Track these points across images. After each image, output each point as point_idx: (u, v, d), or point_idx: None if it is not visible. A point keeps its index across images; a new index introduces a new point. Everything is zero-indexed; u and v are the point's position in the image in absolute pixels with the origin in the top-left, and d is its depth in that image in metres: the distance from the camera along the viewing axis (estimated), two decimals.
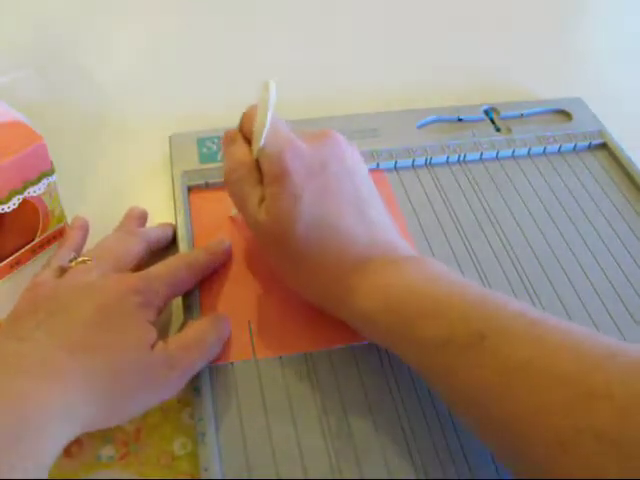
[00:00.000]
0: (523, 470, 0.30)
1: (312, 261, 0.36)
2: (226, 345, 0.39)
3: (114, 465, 0.36)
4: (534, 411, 0.28)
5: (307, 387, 0.38)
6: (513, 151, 0.52)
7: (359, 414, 0.37)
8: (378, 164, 0.50)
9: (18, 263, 0.44)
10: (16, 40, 0.63)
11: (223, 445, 0.35)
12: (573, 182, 0.51)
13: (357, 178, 0.38)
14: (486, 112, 0.56)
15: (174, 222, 0.46)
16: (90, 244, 0.42)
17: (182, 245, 0.44)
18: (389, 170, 0.51)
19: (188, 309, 0.41)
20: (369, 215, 0.37)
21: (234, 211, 0.45)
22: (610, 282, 0.44)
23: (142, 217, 0.45)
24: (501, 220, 0.48)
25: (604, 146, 0.54)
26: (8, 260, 0.43)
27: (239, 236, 0.45)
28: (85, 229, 0.43)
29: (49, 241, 0.45)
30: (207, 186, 0.48)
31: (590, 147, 0.54)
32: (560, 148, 0.53)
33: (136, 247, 0.41)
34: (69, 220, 0.46)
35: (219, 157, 0.50)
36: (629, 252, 0.46)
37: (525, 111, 0.56)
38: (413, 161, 0.51)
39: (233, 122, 0.53)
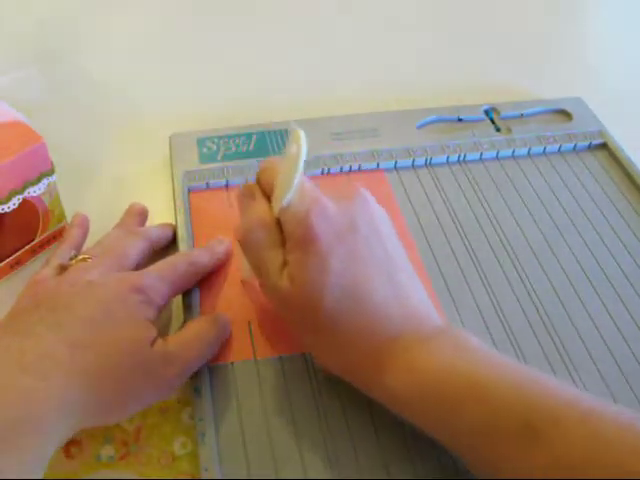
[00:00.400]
0: None
1: (340, 335, 0.33)
2: (226, 345, 0.39)
3: (114, 465, 0.36)
4: None
5: (307, 387, 0.38)
6: (513, 151, 0.52)
7: (359, 414, 0.37)
8: (378, 164, 0.50)
9: (18, 263, 0.44)
10: (17, 40, 0.63)
11: (223, 445, 0.35)
12: (573, 182, 0.51)
13: (386, 240, 0.35)
14: (486, 112, 0.56)
15: (174, 222, 0.46)
16: (90, 244, 0.42)
17: (182, 245, 0.44)
18: (389, 170, 0.51)
19: (188, 309, 0.41)
20: (399, 280, 0.34)
21: (245, 273, 0.41)
22: (610, 282, 0.44)
23: (143, 213, 0.45)
24: (501, 220, 0.48)
25: (604, 146, 0.54)
26: (8, 260, 0.43)
27: None
28: (85, 226, 0.42)
29: (49, 241, 0.45)
30: (207, 186, 0.48)
31: (590, 147, 0.54)
32: (560, 148, 0.53)
33: (137, 246, 0.41)
34: (69, 220, 0.46)
35: (218, 157, 0.50)
36: (629, 252, 0.46)
37: (525, 111, 0.56)
38: (413, 161, 0.51)
39: (233, 122, 0.53)
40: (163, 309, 0.38)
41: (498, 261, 0.45)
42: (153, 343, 0.34)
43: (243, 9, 0.69)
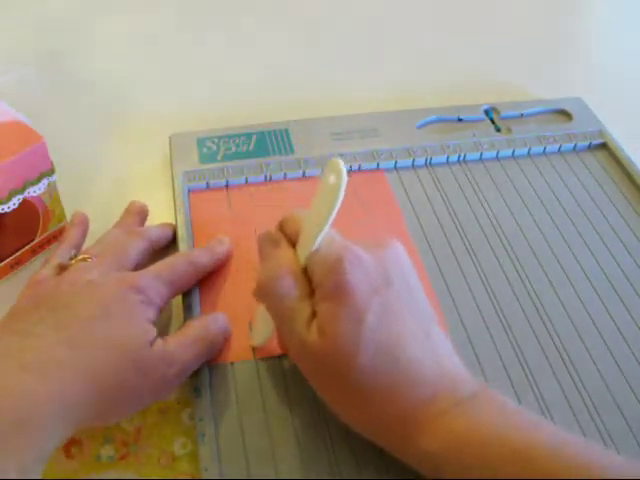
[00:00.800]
0: None
1: (374, 396, 0.31)
2: (226, 345, 0.39)
3: (114, 465, 0.36)
4: None
5: (307, 387, 0.38)
6: (513, 151, 0.52)
7: None
8: (378, 164, 0.50)
9: (18, 263, 0.44)
10: (17, 40, 0.63)
11: (223, 445, 0.35)
12: (573, 182, 0.51)
13: (417, 293, 0.33)
14: (486, 112, 0.56)
15: (174, 222, 0.46)
16: (90, 243, 0.42)
17: (182, 245, 0.44)
18: (389, 170, 0.51)
19: (188, 309, 0.41)
20: (432, 337, 0.32)
21: (257, 340, 0.39)
22: (610, 282, 0.44)
23: (142, 212, 0.45)
24: (501, 220, 0.48)
25: (604, 146, 0.54)
26: (8, 260, 0.43)
27: (239, 236, 0.45)
28: (85, 225, 0.42)
29: (49, 241, 0.45)
30: (207, 186, 0.48)
31: (590, 147, 0.54)
32: (560, 148, 0.53)
33: (136, 246, 0.41)
34: (69, 220, 0.46)
35: (218, 157, 0.50)
36: (629, 252, 0.46)
37: (525, 111, 0.56)
38: (413, 161, 0.51)
39: (233, 122, 0.53)
40: (163, 309, 0.38)
41: (498, 261, 0.45)
42: (152, 343, 0.34)
43: (243, 9, 0.70)
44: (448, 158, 0.52)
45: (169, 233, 0.45)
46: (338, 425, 0.36)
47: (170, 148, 0.51)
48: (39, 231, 0.44)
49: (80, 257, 0.39)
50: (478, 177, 0.51)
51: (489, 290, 0.43)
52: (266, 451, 0.35)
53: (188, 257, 0.41)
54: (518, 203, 0.49)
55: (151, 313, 0.36)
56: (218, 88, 0.60)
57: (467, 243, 0.46)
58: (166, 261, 0.39)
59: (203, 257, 0.42)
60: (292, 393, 0.37)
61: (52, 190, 0.43)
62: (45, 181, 0.42)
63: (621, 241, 0.47)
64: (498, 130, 0.54)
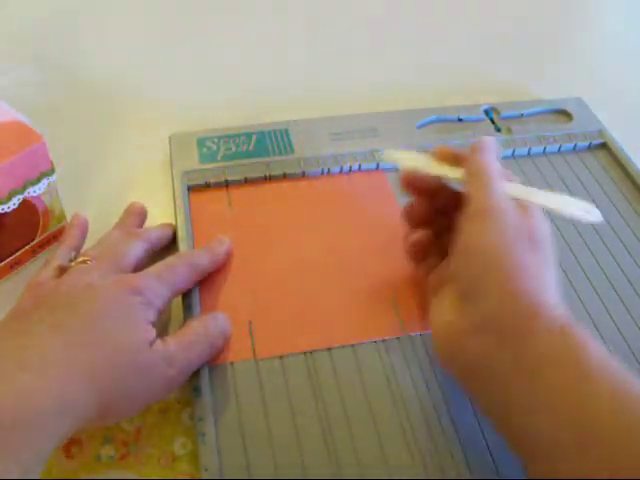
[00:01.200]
0: None
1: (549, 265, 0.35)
2: (226, 345, 0.39)
3: (114, 465, 0.36)
4: None
5: (307, 387, 0.38)
6: (513, 151, 0.52)
7: (359, 414, 0.37)
8: (378, 164, 0.50)
9: (18, 263, 0.44)
10: (17, 40, 0.63)
11: (223, 445, 0.35)
12: (573, 182, 0.51)
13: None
14: (486, 112, 0.56)
15: (174, 222, 0.46)
16: (90, 244, 0.42)
17: (182, 245, 0.44)
18: (389, 170, 0.51)
19: (188, 309, 0.41)
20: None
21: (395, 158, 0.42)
22: (610, 282, 0.44)
23: (142, 213, 0.45)
24: None
25: (604, 146, 0.54)
26: (8, 260, 0.43)
27: (239, 236, 0.45)
28: (84, 227, 0.42)
29: (49, 241, 0.45)
30: (207, 186, 0.48)
31: (590, 147, 0.54)
32: (560, 148, 0.53)
33: (136, 247, 0.41)
34: (69, 220, 0.46)
35: (218, 157, 0.50)
36: (629, 252, 0.46)
37: (525, 111, 0.56)
38: None
39: (233, 122, 0.53)
40: (163, 310, 0.38)
41: None
42: (152, 344, 0.34)
43: (243, 9, 0.70)
44: None
45: (169, 234, 0.45)
46: (338, 425, 0.36)
47: (170, 148, 0.51)
48: (39, 231, 0.44)
49: (80, 259, 0.39)
50: None
51: None
52: (266, 451, 0.35)
53: (188, 258, 0.41)
54: None
55: (151, 314, 0.36)
56: (218, 88, 0.60)
57: None
58: (166, 262, 0.39)
59: (203, 258, 0.42)
60: (292, 393, 0.37)
61: (52, 190, 0.43)
62: (45, 181, 0.42)
63: (621, 241, 0.47)
64: (498, 130, 0.54)
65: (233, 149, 0.51)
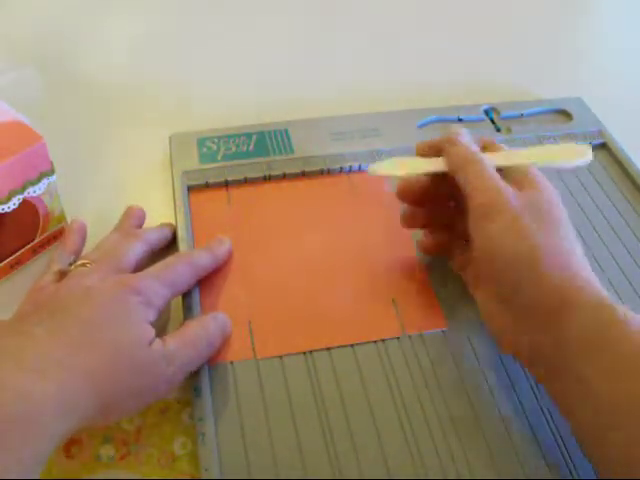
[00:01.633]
0: None
1: (565, 238, 0.36)
2: (226, 345, 0.39)
3: (114, 465, 0.36)
4: None
5: (307, 387, 0.38)
6: None
7: (359, 414, 0.37)
8: None
9: (18, 263, 0.44)
10: (16, 40, 0.63)
11: (223, 445, 0.35)
12: (573, 182, 0.51)
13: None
14: (486, 112, 0.56)
15: (174, 222, 0.46)
16: (90, 244, 0.42)
17: (182, 245, 0.44)
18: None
19: (188, 309, 0.41)
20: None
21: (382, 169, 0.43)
22: (610, 282, 0.44)
23: (140, 216, 0.45)
24: None
25: (604, 146, 0.54)
26: (8, 260, 0.43)
27: (239, 236, 0.45)
28: (83, 231, 0.43)
29: (49, 241, 0.45)
30: (207, 186, 0.48)
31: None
32: None
33: (135, 249, 0.41)
34: (69, 220, 0.46)
35: (218, 157, 0.50)
36: (629, 252, 0.46)
37: (525, 111, 0.56)
38: None
39: (233, 122, 0.53)
40: (163, 311, 0.38)
41: None
42: (151, 343, 0.35)
43: (243, 9, 0.70)
44: None
45: (168, 234, 0.45)
46: (339, 425, 0.36)
47: (170, 148, 0.51)
48: (39, 231, 0.44)
49: (79, 263, 0.39)
50: None
51: None
52: (266, 451, 0.35)
53: (188, 258, 0.41)
54: None
55: (150, 314, 0.36)
56: (218, 88, 0.60)
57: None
58: (166, 262, 0.39)
59: (203, 258, 0.42)
60: (292, 393, 0.37)
61: (52, 190, 0.43)
62: (45, 181, 0.42)
63: (621, 241, 0.47)
64: (498, 130, 0.54)
65: (233, 149, 0.51)
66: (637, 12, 0.76)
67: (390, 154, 0.51)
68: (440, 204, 0.43)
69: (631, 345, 0.31)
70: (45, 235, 0.45)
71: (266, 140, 0.52)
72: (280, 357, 0.39)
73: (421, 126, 0.54)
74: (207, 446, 0.35)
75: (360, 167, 0.50)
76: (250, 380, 0.38)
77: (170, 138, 0.51)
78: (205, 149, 0.50)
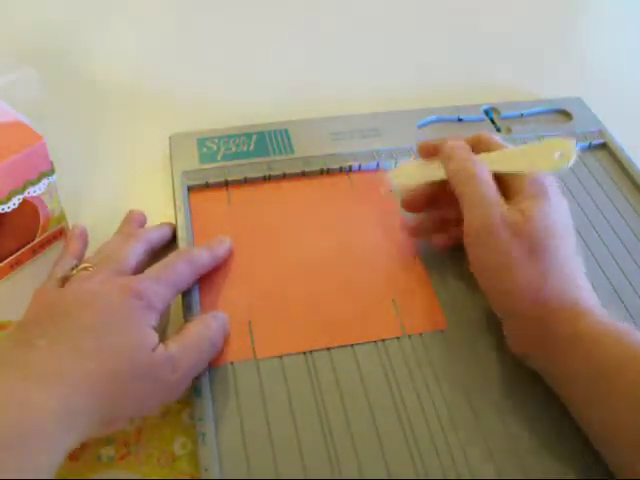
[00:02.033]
0: None
1: (538, 272, 0.37)
2: (226, 345, 0.39)
3: (114, 465, 0.36)
4: None
5: (307, 387, 0.38)
6: None
7: (359, 414, 0.37)
8: (378, 164, 0.50)
9: (18, 263, 0.44)
10: (16, 40, 0.63)
11: (223, 445, 0.35)
12: (573, 182, 0.51)
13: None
14: (486, 112, 0.56)
15: (174, 222, 0.46)
16: (90, 244, 0.42)
17: (182, 245, 0.44)
18: (390, 170, 0.50)
19: (188, 309, 0.41)
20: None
21: (396, 181, 0.45)
22: (610, 282, 0.44)
23: (141, 220, 0.45)
24: None
25: (604, 146, 0.54)
26: (8, 260, 0.43)
27: (239, 236, 0.45)
28: (84, 236, 0.42)
29: (49, 241, 0.45)
30: (207, 186, 0.48)
31: (590, 147, 0.54)
32: None
33: (136, 249, 0.40)
34: (69, 220, 0.46)
35: (218, 157, 0.50)
36: (629, 252, 0.46)
37: (525, 111, 0.56)
38: None
39: (233, 122, 0.53)
40: (164, 313, 0.38)
41: None
42: (154, 349, 0.34)
43: (243, 9, 0.70)
44: None
45: (168, 232, 0.45)
46: (339, 425, 0.36)
47: (170, 148, 0.51)
48: (39, 231, 0.44)
49: (81, 267, 0.38)
50: None
51: None
52: (266, 451, 0.35)
53: (187, 256, 0.41)
54: None
55: (152, 318, 0.36)
56: (218, 88, 0.60)
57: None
58: (165, 261, 0.39)
59: (203, 256, 0.41)
60: (292, 393, 0.37)
61: (52, 190, 0.43)
62: (45, 181, 0.42)
63: (621, 241, 0.47)
64: (498, 130, 0.54)
65: (233, 149, 0.51)
66: (637, 12, 0.76)
67: (390, 154, 0.51)
68: (447, 203, 0.44)
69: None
70: (45, 235, 0.45)
71: (266, 140, 0.52)
72: (280, 357, 0.39)
73: (421, 126, 0.54)
74: (207, 446, 0.35)
75: (360, 167, 0.50)
76: (250, 380, 0.38)
77: (170, 138, 0.51)
78: (205, 149, 0.50)
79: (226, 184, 0.48)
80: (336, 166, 0.50)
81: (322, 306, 0.41)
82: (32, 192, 0.41)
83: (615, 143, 0.54)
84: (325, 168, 0.50)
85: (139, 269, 0.40)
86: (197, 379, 0.37)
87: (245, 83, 0.61)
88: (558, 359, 0.36)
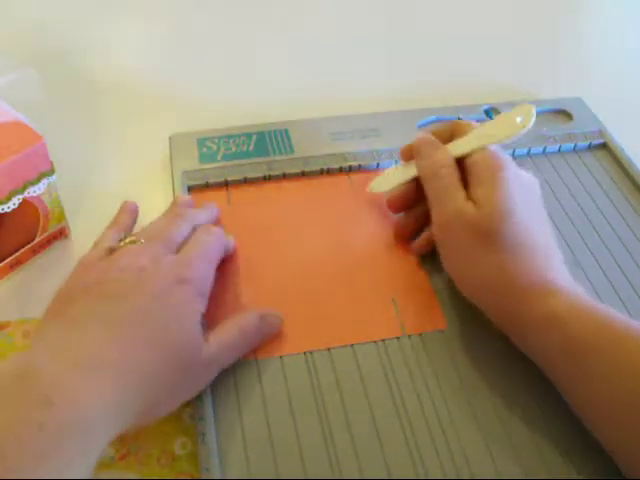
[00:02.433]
0: None
1: (506, 257, 0.37)
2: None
3: (114, 465, 0.36)
4: None
5: (307, 387, 0.38)
6: (513, 151, 0.52)
7: (359, 414, 0.37)
8: (378, 164, 0.50)
9: (18, 263, 0.44)
10: (16, 40, 0.63)
11: (223, 445, 0.35)
12: (573, 182, 0.51)
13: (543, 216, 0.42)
14: (486, 112, 0.56)
15: None
16: (89, 245, 0.42)
17: None
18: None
19: None
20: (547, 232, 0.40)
21: (381, 186, 0.47)
22: (610, 282, 0.44)
23: (190, 203, 0.45)
24: None
25: (604, 146, 0.54)
26: (8, 260, 0.43)
27: (239, 236, 0.45)
28: (135, 212, 0.42)
29: (49, 241, 0.45)
30: (207, 186, 0.48)
31: (590, 147, 0.54)
32: (560, 148, 0.53)
33: (183, 230, 0.40)
34: (69, 220, 0.46)
35: (218, 157, 0.50)
36: (629, 252, 0.46)
37: None
38: None
39: (233, 122, 0.53)
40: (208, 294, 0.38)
41: None
42: (200, 347, 0.35)
43: (243, 10, 0.70)
44: None
45: (214, 213, 0.45)
46: (339, 425, 0.36)
47: (170, 148, 0.51)
48: (39, 231, 0.44)
49: (128, 240, 0.38)
50: None
51: None
52: (266, 451, 0.35)
53: (206, 227, 0.41)
54: None
55: (202, 305, 0.36)
56: (218, 88, 0.60)
57: None
58: (199, 238, 0.39)
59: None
60: (292, 393, 0.37)
61: (52, 190, 0.43)
62: (45, 181, 0.42)
63: (621, 241, 0.47)
64: None
65: (233, 149, 0.51)
66: (637, 12, 0.76)
67: (390, 154, 0.51)
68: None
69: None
70: (45, 235, 0.45)
71: (266, 140, 0.52)
72: (280, 357, 0.39)
73: (421, 126, 0.54)
74: (207, 446, 0.35)
75: (360, 167, 0.50)
76: (250, 380, 0.38)
77: (170, 138, 0.51)
78: (205, 149, 0.50)
79: (226, 184, 0.48)
80: (336, 166, 0.50)
81: (322, 306, 0.41)
82: (32, 192, 0.41)
83: (615, 143, 0.54)
84: (325, 168, 0.50)
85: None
86: None
87: (245, 83, 0.61)
88: (534, 339, 0.36)
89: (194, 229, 0.41)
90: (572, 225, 0.48)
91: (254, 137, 0.52)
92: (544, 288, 0.36)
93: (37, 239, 0.44)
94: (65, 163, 0.45)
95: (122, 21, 0.67)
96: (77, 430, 0.28)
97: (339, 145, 0.51)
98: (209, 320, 0.38)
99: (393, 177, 0.46)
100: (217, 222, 0.45)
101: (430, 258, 0.45)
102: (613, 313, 0.35)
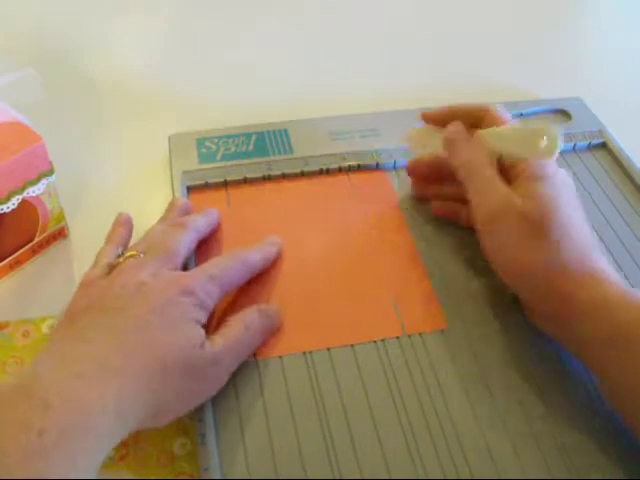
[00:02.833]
0: None
1: (552, 244, 0.38)
2: None
3: (114, 465, 0.36)
4: None
5: (307, 387, 0.38)
6: None
7: (359, 414, 0.37)
8: (378, 164, 0.50)
9: (18, 263, 0.44)
10: (16, 40, 0.63)
11: (223, 445, 0.35)
12: (573, 182, 0.51)
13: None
14: None
15: None
16: (90, 245, 0.42)
17: None
18: (389, 170, 0.51)
19: None
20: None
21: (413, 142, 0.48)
22: None
23: (186, 208, 0.45)
24: None
25: (604, 146, 0.54)
26: (8, 260, 0.43)
27: (238, 236, 0.45)
28: (129, 224, 0.42)
29: (49, 241, 0.45)
30: (207, 186, 0.48)
31: (590, 147, 0.54)
32: None
33: (184, 240, 0.40)
34: (68, 220, 0.46)
35: (218, 157, 0.50)
36: (629, 252, 0.46)
37: (525, 111, 0.56)
38: None
39: (233, 122, 0.53)
40: (213, 309, 0.37)
41: None
42: (202, 345, 0.34)
43: (243, 9, 0.70)
44: None
45: (215, 218, 0.45)
46: (338, 425, 0.36)
47: (169, 148, 0.51)
48: (38, 231, 0.44)
49: (128, 254, 0.38)
50: None
51: (489, 288, 0.43)
52: (266, 451, 0.35)
53: (241, 257, 0.40)
54: None
55: (202, 315, 0.36)
56: (217, 88, 0.60)
57: (467, 241, 0.46)
58: (218, 261, 0.39)
59: (255, 257, 0.41)
60: (292, 393, 0.37)
61: (51, 190, 0.43)
62: (44, 181, 0.42)
63: (621, 241, 0.47)
64: None
65: (232, 149, 0.51)
66: (637, 12, 0.76)
67: (390, 154, 0.51)
68: (448, 179, 0.46)
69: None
70: (44, 235, 0.45)
71: (266, 140, 0.52)
72: (280, 357, 0.39)
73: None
74: (207, 446, 0.35)
75: (359, 167, 0.50)
76: (250, 380, 0.38)
77: (169, 138, 0.51)
78: (204, 149, 0.50)
79: (225, 184, 0.48)
80: (336, 166, 0.50)
81: (322, 306, 0.41)
82: (31, 192, 0.41)
83: (615, 143, 0.54)
84: (325, 168, 0.50)
85: (188, 259, 0.40)
86: None
87: (245, 83, 0.61)
88: (580, 324, 0.36)
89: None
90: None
91: (253, 137, 0.52)
92: (595, 275, 0.37)
93: (36, 239, 0.44)
94: (65, 163, 0.45)
95: (122, 21, 0.67)
96: (78, 434, 0.28)
97: (338, 145, 0.51)
98: (211, 321, 0.38)
99: (428, 139, 0.47)
100: (218, 226, 0.45)
101: (430, 258, 0.45)
102: None
